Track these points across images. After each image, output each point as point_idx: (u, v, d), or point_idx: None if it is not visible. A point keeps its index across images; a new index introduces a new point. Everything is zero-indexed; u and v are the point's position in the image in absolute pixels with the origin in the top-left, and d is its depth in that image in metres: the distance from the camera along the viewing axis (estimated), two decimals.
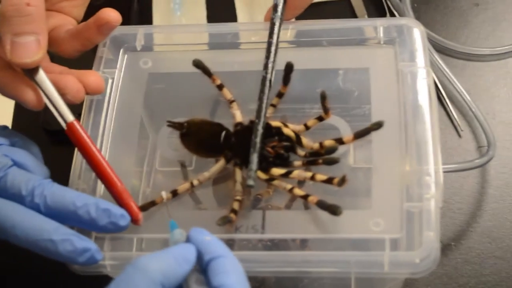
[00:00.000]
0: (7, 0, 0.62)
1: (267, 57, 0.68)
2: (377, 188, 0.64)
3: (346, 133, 0.67)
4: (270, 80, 0.67)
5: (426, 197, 0.61)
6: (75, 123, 0.64)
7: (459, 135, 0.80)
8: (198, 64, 0.70)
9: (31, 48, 0.62)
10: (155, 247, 0.64)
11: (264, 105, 0.66)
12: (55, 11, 0.72)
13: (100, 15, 0.68)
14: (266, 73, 0.67)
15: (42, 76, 0.64)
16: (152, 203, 0.65)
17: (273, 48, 0.68)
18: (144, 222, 0.65)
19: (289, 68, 0.69)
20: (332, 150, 0.65)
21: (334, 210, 0.61)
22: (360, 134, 0.64)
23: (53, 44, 0.70)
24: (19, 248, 0.78)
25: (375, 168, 0.65)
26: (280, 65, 0.68)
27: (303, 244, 0.63)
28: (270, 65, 0.68)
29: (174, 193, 0.66)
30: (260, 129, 0.65)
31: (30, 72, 0.64)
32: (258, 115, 0.66)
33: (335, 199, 0.63)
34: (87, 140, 0.64)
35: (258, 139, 0.65)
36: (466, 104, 0.80)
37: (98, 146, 0.67)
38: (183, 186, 0.66)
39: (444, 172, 0.63)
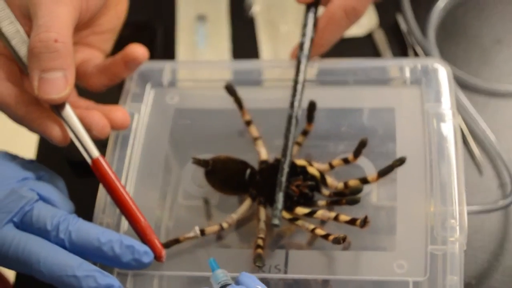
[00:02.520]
0: (35, 36, 0.62)
1: (293, 95, 0.68)
2: (401, 228, 0.64)
3: (370, 172, 0.67)
4: (297, 118, 0.67)
5: (451, 241, 0.61)
6: (101, 159, 0.65)
7: (481, 173, 0.80)
8: (229, 88, 0.70)
9: (58, 84, 0.62)
10: (177, 284, 0.65)
11: (290, 144, 0.67)
12: (83, 45, 0.73)
13: (128, 51, 0.69)
14: (292, 111, 0.67)
15: (68, 111, 0.65)
16: (176, 241, 0.65)
17: (299, 86, 0.69)
18: (166, 260, 0.65)
19: (312, 106, 0.69)
20: (357, 191, 0.65)
21: (338, 240, 0.62)
22: (384, 172, 0.65)
23: (81, 78, 0.71)
24: (41, 283, 0.79)
25: (399, 207, 0.65)
26: (305, 103, 0.69)
27: (325, 284, 0.63)
28: (296, 104, 0.68)
29: (202, 233, 0.66)
30: (286, 168, 0.65)
31: (57, 107, 0.65)
32: (284, 154, 0.66)
33: (358, 239, 0.63)
34: (112, 176, 0.65)
35: (284, 178, 0.65)
36: (489, 141, 0.79)
37: (123, 180, 0.68)
38: (211, 228, 0.66)
39: (468, 214, 0.64)
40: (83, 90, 0.72)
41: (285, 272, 0.64)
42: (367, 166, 0.69)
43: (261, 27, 0.91)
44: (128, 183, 0.68)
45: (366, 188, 0.67)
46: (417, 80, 0.70)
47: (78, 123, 0.65)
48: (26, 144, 0.78)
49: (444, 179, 0.64)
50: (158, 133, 0.69)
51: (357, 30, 0.89)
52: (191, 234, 0.65)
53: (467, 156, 0.80)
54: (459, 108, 0.81)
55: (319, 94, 0.71)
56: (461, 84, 0.84)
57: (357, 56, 0.73)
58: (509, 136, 0.81)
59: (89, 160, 0.65)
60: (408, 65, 0.71)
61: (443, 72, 0.69)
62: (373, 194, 0.68)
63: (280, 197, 0.64)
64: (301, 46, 0.70)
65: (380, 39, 0.88)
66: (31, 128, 0.67)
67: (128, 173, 0.69)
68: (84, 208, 0.70)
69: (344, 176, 0.67)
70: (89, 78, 0.72)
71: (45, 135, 0.66)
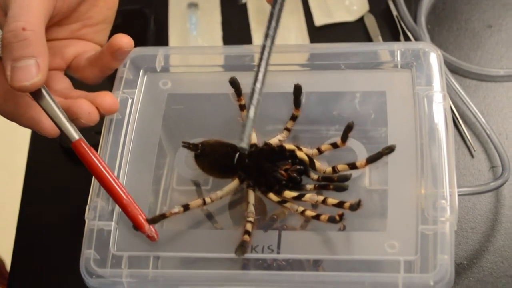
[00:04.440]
0: (5, 27, 0.63)
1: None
2: (393, 210, 0.65)
3: (362, 156, 0.67)
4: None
5: (441, 220, 0.62)
6: (80, 142, 0.65)
7: (472, 156, 0.81)
8: (234, 82, 0.70)
9: (30, 71, 0.62)
10: (171, 265, 0.66)
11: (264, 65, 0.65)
12: (77, 38, 0.73)
13: (113, 42, 0.70)
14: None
15: (47, 98, 0.65)
16: (162, 216, 0.65)
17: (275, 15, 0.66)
18: (160, 241, 0.66)
19: (297, 90, 0.69)
20: (344, 179, 0.65)
21: (333, 218, 0.62)
22: (372, 159, 0.65)
23: (76, 71, 0.72)
24: (39, 264, 0.80)
25: (390, 190, 0.65)
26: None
27: (317, 264, 0.64)
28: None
29: (186, 208, 0.66)
30: (260, 79, 0.64)
31: (34, 95, 0.65)
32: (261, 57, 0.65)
33: (350, 220, 0.64)
34: (93, 157, 0.65)
35: (258, 85, 0.63)
36: (480, 124, 0.80)
37: (116, 165, 0.68)
38: (195, 202, 0.66)
39: (459, 195, 0.64)
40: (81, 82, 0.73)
41: (278, 253, 0.64)
42: (359, 149, 0.69)
43: (252, 14, 0.92)
44: (123, 167, 0.69)
45: (358, 171, 0.67)
46: (408, 64, 0.70)
47: (57, 109, 0.65)
48: (20, 131, 0.78)
49: (435, 162, 0.64)
50: (151, 118, 0.69)
51: (348, 15, 0.90)
52: (176, 210, 0.65)
53: (458, 139, 0.81)
54: (451, 93, 0.82)
55: (310, 79, 0.71)
56: (452, 69, 0.85)
57: (348, 41, 0.73)
58: (499, 119, 0.82)
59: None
60: (399, 49, 0.71)
61: (433, 56, 0.69)
62: (365, 177, 0.69)
63: (251, 113, 0.62)
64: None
65: (371, 24, 0.89)
66: (21, 123, 0.68)
67: (122, 158, 0.69)
68: (79, 194, 0.71)
69: (336, 160, 0.67)
70: (83, 71, 0.72)
71: (35, 129, 0.68)
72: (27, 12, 0.63)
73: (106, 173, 0.65)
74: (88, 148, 0.65)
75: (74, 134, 0.65)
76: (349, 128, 0.66)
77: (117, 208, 0.67)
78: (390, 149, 0.64)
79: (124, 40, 0.70)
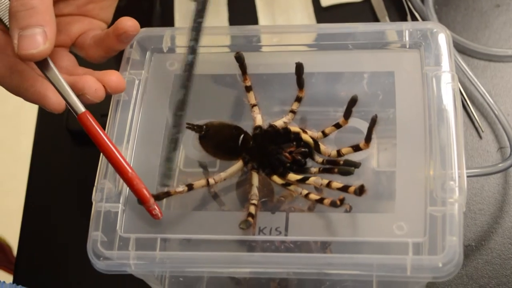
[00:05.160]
0: None
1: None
2: (401, 192, 0.64)
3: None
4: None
5: (450, 202, 0.61)
6: (86, 114, 0.65)
7: (480, 137, 0.80)
8: (240, 57, 0.69)
9: (37, 40, 0.62)
10: (178, 246, 0.66)
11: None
12: (82, 15, 0.73)
13: (118, 24, 0.70)
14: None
15: (53, 70, 0.65)
16: (167, 193, 0.65)
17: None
18: (167, 223, 0.66)
19: (299, 68, 0.68)
20: (351, 164, 0.65)
21: (335, 203, 0.62)
22: (368, 137, 0.64)
23: (81, 49, 0.72)
24: (46, 248, 0.80)
25: (399, 171, 0.65)
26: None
27: (325, 246, 0.64)
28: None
29: (190, 187, 0.66)
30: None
31: (41, 66, 0.65)
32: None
33: (358, 202, 0.63)
34: (98, 130, 0.65)
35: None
36: (488, 105, 0.80)
37: (123, 145, 0.68)
38: (199, 182, 0.66)
39: (468, 176, 0.64)
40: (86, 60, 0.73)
41: (286, 235, 0.64)
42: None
43: None
44: (129, 149, 0.69)
45: (366, 153, 0.67)
46: (417, 44, 0.70)
47: (63, 82, 0.65)
48: (27, 114, 0.79)
49: (443, 143, 0.64)
50: (158, 98, 0.69)
51: None
52: (180, 189, 0.66)
53: (467, 121, 0.81)
54: (458, 73, 0.81)
55: (317, 59, 0.71)
56: (460, 49, 0.85)
57: (355, 22, 0.73)
58: (508, 100, 0.82)
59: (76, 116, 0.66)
60: (408, 29, 0.70)
61: (442, 36, 0.69)
62: (373, 159, 0.68)
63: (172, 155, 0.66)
64: None
65: (378, 4, 0.88)
66: (26, 97, 0.67)
67: (129, 139, 0.69)
68: (85, 176, 0.71)
69: (344, 141, 0.67)
70: (87, 50, 0.72)
71: (40, 103, 0.67)
72: None
73: (112, 146, 0.65)
74: (94, 120, 0.65)
75: (81, 107, 0.65)
76: (353, 102, 0.65)
77: (124, 190, 0.67)
78: (373, 121, 0.63)
79: (129, 23, 0.70)
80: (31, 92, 0.67)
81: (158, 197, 0.65)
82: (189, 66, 0.66)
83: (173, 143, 0.66)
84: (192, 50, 0.66)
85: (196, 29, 0.67)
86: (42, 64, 0.65)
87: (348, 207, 0.64)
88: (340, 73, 0.72)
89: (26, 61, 0.65)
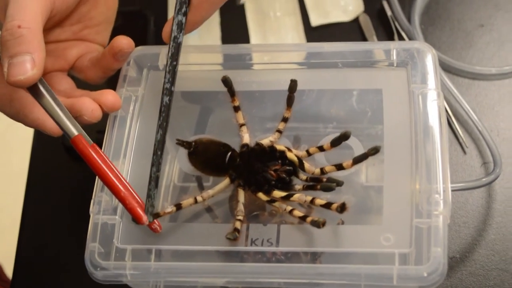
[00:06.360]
0: (3, 27, 0.65)
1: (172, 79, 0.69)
2: (388, 205, 0.66)
3: (359, 153, 0.68)
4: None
5: (435, 214, 0.63)
6: (79, 137, 0.67)
7: (464, 152, 0.82)
8: (226, 81, 0.71)
9: (24, 66, 0.64)
10: (172, 257, 0.67)
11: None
12: (79, 39, 0.75)
13: (113, 44, 0.71)
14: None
15: (45, 96, 0.67)
16: (157, 215, 0.67)
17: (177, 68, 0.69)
18: (163, 235, 0.68)
19: (293, 85, 0.70)
20: (332, 181, 0.66)
21: (317, 223, 0.63)
22: (358, 160, 0.66)
23: (79, 72, 0.74)
24: (43, 259, 0.81)
25: (386, 186, 0.67)
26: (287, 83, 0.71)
27: (315, 257, 0.66)
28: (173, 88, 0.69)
29: (178, 207, 0.68)
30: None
31: (32, 92, 0.67)
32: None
33: (348, 215, 0.65)
34: (91, 152, 0.67)
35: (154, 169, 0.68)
36: (472, 122, 0.81)
37: (120, 161, 0.70)
38: (187, 201, 0.68)
39: (452, 190, 0.66)
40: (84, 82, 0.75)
41: (277, 246, 0.66)
42: (356, 146, 0.70)
43: (250, 15, 0.93)
44: (126, 164, 0.70)
45: (354, 167, 0.68)
46: (404, 63, 0.72)
47: (56, 106, 0.67)
48: (24, 131, 0.80)
49: (429, 158, 0.66)
50: (155, 114, 0.70)
51: (343, 15, 0.91)
52: (169, 210, 0.68)
53: (452, 137, 0.83)
54: (444, 91, 0.82)
55: (308, 77, 0.73)
56: (445, 67, 0.86)
57: (344, 41, 0.75)
58: (491, 117, 0.84)
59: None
60: (395, 48, 0.72)
61: (428, 55, 0.71)
62: (362, 174, 0.70)
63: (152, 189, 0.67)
64: (179, 24, 0.69)
65: (366, 24, 0.90)
66: (26, 123, 0.69)
67: (126, 154, 0.71)
68: (81, 191, 0.73)
69: (335, 156, 0.69)
70: (86, 72, 0.74)
71: (40, 128, 0.69)
72: (23, 11, 0.64)
73: (105, 168, 0.67)
74: (86, 143, 0.66)
75: (73, 130, 0.67)
76: (344, 137, 0.67)
77: (120, 205, 0.68)
78: (375, 150, 0.65)
79: (124, 41, 0.72)
80: (31, 118, 0.69)
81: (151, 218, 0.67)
82: (166, 108, 0.68)
83: (153, 181, 0.68)
84: (168, 92, 0.68)
85: (171, 71, 0.68)
86: (34, 90, 0.66)
87: (340, 222, 0.66)
88: (330, 90, 0.74)
89: (17, 87, 0.66)
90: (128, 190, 0.67)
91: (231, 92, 0.71)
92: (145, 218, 0.67)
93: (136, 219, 0.67)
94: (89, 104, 0.69)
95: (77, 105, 0.69)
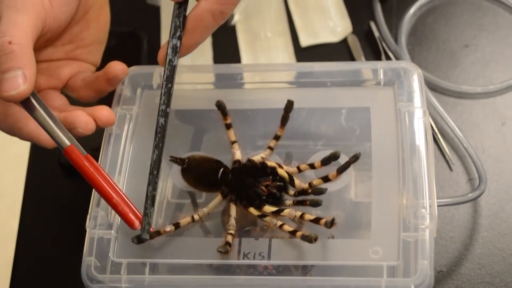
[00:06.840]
0: None
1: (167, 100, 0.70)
2: (376, 219, 0.68)
3: (349, 170, 0.69)
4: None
5: (422, 228, 0.65)
6: (71, 148, 0.68)
7: (451, 169, 0.83)
8: (220, 105, 0.72)
9: (16, 81, 0.65)
10: (167, 271, 0.69)
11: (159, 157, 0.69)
12: (71, 59, 0.76)
13: (108, 69, 0.73)
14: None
15: (37, 109, 0.68)
16: (157, 232, 0.69)
17: (172, 90, 0.70)
18: (157, 248, 0.69)
19: (289, 105, 0.72)
20: (319, 192, 0.68)
21: (309, 238, 0.65)
22: (342, 169, 0.68)
23: (72, 91, 0.76)
24: (40, 274, 0.82)
25: (374, 201, 0.69)
26: (282, 104, 0.72)
27: (305, 269, 0.67)
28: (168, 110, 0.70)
29: (177, 226, 0.69)
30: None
31: (25, 106, 0.68)
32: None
33: (338, 229, 0.67)
34: (84, 161, 0.68)
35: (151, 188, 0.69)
36: (458, 139, 0.83)
37: (115, 177, 0.71)
38: (185, 220, 0.70)
39: (439, 206, 0.67)
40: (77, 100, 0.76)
41: (269, 259, 0.67)
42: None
43: (241, 35, 0.95)
44: (122, 179, 0.72)
45: (343, 183, 0.71)
46: (391, 82, 0.73)
47: (48, 119, 0.68)
48: (20, 148, 0.81)
49: (416, 174, 0.67)
50: (148, 132, 0.71)
51: (332, 36, 0.93)
52: (168, 229, 0.69)
53: (438, 153, 0.84)
54: (430, 109, 0.84)
55: (298, 96, 0.74)
56: (431, 86, 0.88)
57: (333, 61, 0.76)
58: (476, 134, 0.85)
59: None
60: (382, 68, 0.74)
61: (414, 74, 0.72)
62: (351, 190, 0.72)
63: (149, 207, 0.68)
64: (173, 48, 0.70)
65: (354, 45, 0.91)
66: (21, 136, 0.71)
67: (121, 171, 0.72)
68: (76, 208, 0.74)
69: (323, 172, 0.70)
70: (78, 91, 0.76)
71: (34, 141, 0.71)
72: (14, 27, 0.66)
73: (97, 175, 0.68)
74: (78, 153, 0.68)
75: (66, 141, 0.68)
76: (334, 157, 0.68)
77: (117, 218, 0.70)
78: (355, 157, 0.68)
79: (118, 67, 0.73)
80: (25, 131, 0.70)
81: (150, 236, 0.69)
82: (161, 129, 0.69)
83: (150, 200, 0.69)
84: (164, 113, 0.69)
85: (167, 93, 0.70)
86: (27, 104, 0.67)
87: (330, 236, 0.68)
88: (320, 109, 0.75)
89: (9, 102, 0.67)
90: (120, 196, 0.68)
91: (224, 115, 0.73)
92: (137, 223, 0.68)
93: (128, 224, 0.68)
94: (83, 117, 0.70)
95: (71, 118, 0.70)
